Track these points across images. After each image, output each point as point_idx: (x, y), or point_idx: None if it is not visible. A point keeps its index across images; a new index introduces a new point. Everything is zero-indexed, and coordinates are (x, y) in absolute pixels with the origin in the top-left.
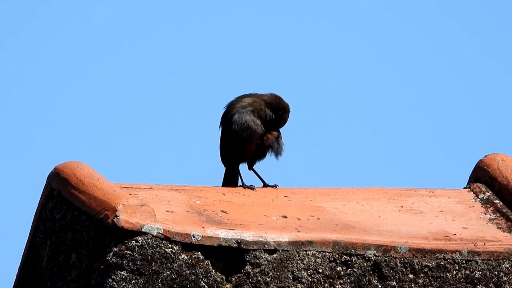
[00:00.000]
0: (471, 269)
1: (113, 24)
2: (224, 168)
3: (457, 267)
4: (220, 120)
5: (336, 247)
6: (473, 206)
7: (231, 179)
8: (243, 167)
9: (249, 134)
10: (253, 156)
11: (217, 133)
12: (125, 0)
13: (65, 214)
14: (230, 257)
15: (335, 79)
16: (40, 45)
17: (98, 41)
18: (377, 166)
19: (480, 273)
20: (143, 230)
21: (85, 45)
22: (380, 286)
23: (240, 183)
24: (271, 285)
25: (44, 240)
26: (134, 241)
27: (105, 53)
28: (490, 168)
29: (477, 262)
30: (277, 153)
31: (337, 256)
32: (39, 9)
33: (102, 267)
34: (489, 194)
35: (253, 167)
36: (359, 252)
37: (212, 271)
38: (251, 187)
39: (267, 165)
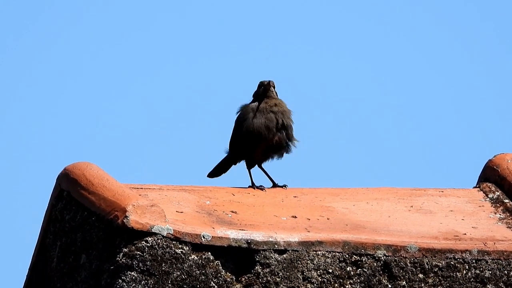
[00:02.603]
0: (481, 269)
1: (124, 25)
2: (221, 159)
3: (467, 267)
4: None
5: (346, 247)
6: (483, 206)
7: (220, 169)
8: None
9: (260, 139)
10: (263, 155)
11: (227, 133)
12: None
13: (75, 215)
14: (240, 257)
15: (344, 78)
16: (52, 45)
17: (110, 41)
18: (386, 166)
19: (490, 272)
20: (153, 230)
21: (98, 44)
22: (390, 286)
23: (249, 179)
24: (281, 285)
25: (54, 241)
26: (144, 242)
27: (116, 53)
28: (499, 168)
29: (487, 262)
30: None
31: (347, 256)
32: (70, 9)
33: (112, 267)
34: (498, 193)
35: (262, 167)
36: (369, 252)
37: (222, 272)
38: (260, 188)
39: (276, 165)
